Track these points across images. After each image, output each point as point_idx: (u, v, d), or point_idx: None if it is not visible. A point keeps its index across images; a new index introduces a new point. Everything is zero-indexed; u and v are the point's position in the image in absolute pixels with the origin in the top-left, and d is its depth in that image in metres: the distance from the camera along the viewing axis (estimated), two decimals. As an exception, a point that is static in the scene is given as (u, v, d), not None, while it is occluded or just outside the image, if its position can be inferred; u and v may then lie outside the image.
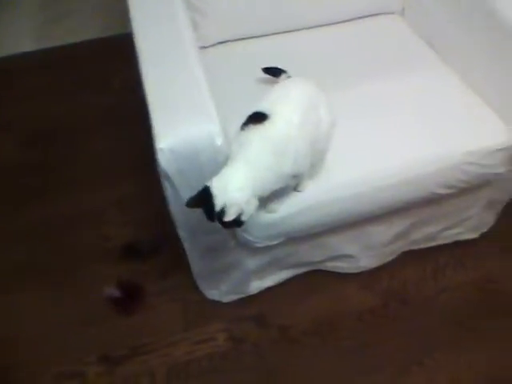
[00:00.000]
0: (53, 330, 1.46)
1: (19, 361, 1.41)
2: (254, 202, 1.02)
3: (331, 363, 1.39)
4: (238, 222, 1.00)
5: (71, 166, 1.92)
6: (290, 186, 1.15)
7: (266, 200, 1.11)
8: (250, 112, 1.08)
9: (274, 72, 1.33)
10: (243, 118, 1.07)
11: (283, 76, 1.29)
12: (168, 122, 1.04)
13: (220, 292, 1.45)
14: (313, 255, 1.45)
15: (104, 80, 2.19)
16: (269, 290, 1.48)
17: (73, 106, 2.12)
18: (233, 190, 0.98)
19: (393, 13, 1.66)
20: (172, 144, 1.01)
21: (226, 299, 1.47)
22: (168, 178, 1.06)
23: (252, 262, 1.38)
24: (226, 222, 0.98)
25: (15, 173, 1.91)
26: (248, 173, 1.00)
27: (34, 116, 2.11)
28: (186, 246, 1.29)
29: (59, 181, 1.86)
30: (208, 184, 0.99)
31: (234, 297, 1.47)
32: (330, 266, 1.51)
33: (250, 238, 1.24)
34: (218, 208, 0.98)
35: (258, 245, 1.27)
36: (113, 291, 1.51)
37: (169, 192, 1.11)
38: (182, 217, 1.18)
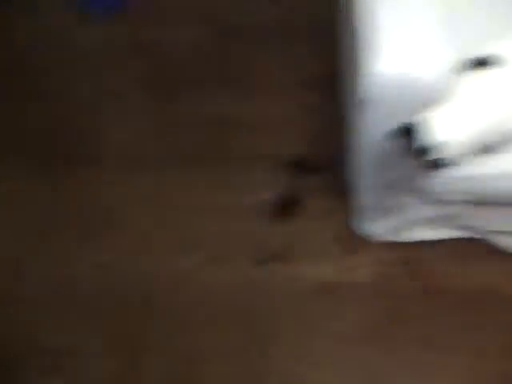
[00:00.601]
0: (205, 216, 1.55)
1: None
2: (462, 149, 0.97)
3: (477, 334, 1.33)
4: (439, 164, 0.96)
5: (248, 70, 1.87)
6: (501, 144, 1.06)
7: (473, 152, 1.04)
8: (483, 52, 1.00)
9: None
10: (474, 56, 1.00)
11: None
12: (383, 46, 0.99)
13: (378, 229, 1.44)
14: (487, 223, 1.37)
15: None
16: (427, 242, 1.43)
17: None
18: (444, 130, 0.95)
19: None
20: (384, 70, 0.97)
21: (381, 238, 1.46)
22: (371, 104, 1.03)
23: (421, 211, 1.34)
24: (427, 161, 0.95)
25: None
26: (466, 116, 0.96)
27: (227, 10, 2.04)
28: (362, 175, 1.28)
29: (235, 81, 1.84)
30: (418, 119, 0.96)
31: (390, 237, 1.45)
32: (501, 240, 1.41)
33: (434, 188, 1.19)
34: (426, 144, 0.94)
35: (438, 196, 1.22)
36: (270, 197, 1.56)
37: (365, 119, 1.09)
38: (371, 147, 1.16)
